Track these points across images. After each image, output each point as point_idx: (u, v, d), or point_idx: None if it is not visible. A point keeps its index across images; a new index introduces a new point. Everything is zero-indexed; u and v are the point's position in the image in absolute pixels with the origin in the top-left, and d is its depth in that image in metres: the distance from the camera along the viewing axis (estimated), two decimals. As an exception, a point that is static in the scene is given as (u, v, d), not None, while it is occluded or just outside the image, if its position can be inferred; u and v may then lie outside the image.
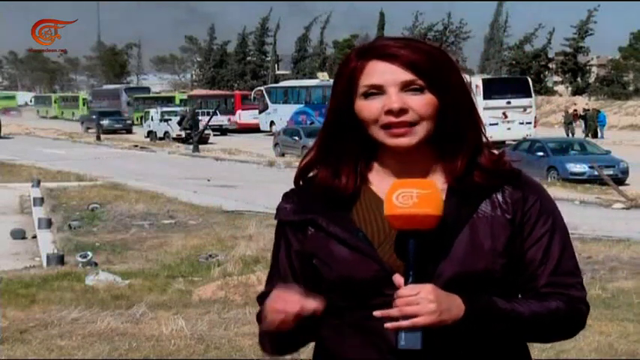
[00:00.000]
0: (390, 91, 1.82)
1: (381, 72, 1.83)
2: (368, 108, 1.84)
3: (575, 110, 47.89)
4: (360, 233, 1.86)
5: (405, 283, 1.76)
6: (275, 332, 1.86)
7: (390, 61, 1.83)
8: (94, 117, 55.01)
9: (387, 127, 1.83)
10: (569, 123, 42.83)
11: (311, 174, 1.96)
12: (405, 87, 1.83)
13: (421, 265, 1.79)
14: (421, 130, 1.83)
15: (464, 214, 1.84)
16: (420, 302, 1.72)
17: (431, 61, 1.84)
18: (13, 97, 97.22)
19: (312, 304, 1.80)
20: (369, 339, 1.84)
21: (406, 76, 1.82)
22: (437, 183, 1.86)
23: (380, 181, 1.90)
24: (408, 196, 1.77)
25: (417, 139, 1.83)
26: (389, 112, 1.82)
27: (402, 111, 1.81)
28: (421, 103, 1.82)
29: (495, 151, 1.94)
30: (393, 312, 1.73)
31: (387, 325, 1.74)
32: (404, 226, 1.78)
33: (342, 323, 1.88)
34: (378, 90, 1.84)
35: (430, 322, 1.72)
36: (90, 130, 53.33)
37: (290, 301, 1.80)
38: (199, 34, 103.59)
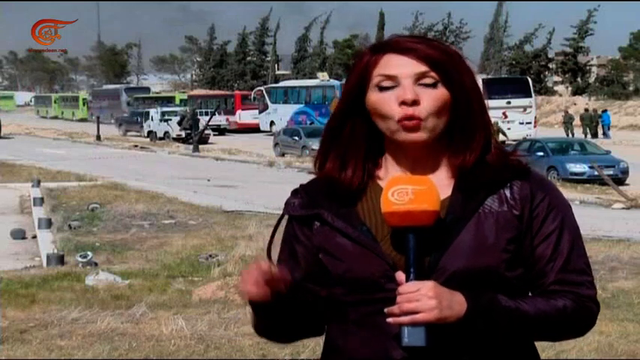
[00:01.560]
0: (404, 83, 1.83)
1: (396, 64, 1.85)
2: (382, 99, 1.85)
3: (587, 110, 47.72)
4: (363, 227, 1.87)
5: (407, 280, 1.76)
6: (257, 310, 1.91)
7: (405, 54, 1.85)
8: (136, 119, 50.67)
9: (400, 120, 1.83)
10: (568, 123, 42.78)
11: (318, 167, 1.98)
12: (419, 79, 1.84)
13: (424, 261, 1.80)
14: (431, 125, 1.84)
15: (469, 209, 1.84)
16: (420, 299, 1.72)
17: (445, 56, 1.86)
18: (11, 97, 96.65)
19: (274, 268, 1.83)
20: (373, 334, 1.84)
21: (420, 68, 1.83)
22: (442, 177, 1.87)
23: (388, 176, 1.90)
24: (404, 192, 1.78)
25: (427, 135, 1.84)
26: (402, 103, 1.82)
27: (415, 102, 1.82)
28: (434, 97, 1.83)
29: (505, 149, 1.94)
30: (393, 309, 1.74)
31: (389, 319, 1.75)
32: (401, 222, 1.78)
33: (347, 319, 1.89)
34: (392, 81, 1.84)
35: (431, 318, 1.73)
36: (129, 134, 48.34)
37: (253, 271, 1.85)
38: (191, 33, 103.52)
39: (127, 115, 54.78)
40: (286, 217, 1.99)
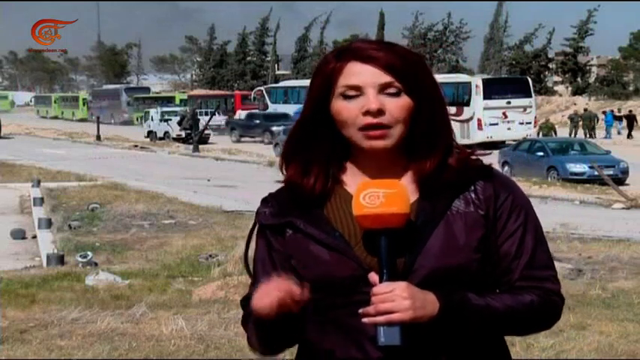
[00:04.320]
0: (368, 93, 1.86)
1: (360, 73, 1.87)
2: (347, 109, 1.87)
3: (612, 111, 47.67)
4: (336, 233, 1.90)
5: (380, 281, 1.80)
6: (262, 325, 1.89)
7: (369, 62, 1.87)
8: (256, 122, 42.86)
9: (364, 128, 1.86)
10: (576, 122, 42.74)
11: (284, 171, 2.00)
12: (383, 89, 1.87)
13: (397, 262, 1.83)
14: (396, 133, 1.88)
15: (438, 211, 1.88)
16: (394, 299, 1.76)
17: (408, 64, 1.89)
18: (5, 97, 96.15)
19: (297, 289, 1.82)
20: (350, 336, 1.87)
21: (384, 78, 1.87)
22: (406, 182, 1.90)
23: (354, 181, 1.93)
24: (375, 196, 1.81)
25: (392, 142, 1.88)
26: (367, 112, 1.85)
27: (380, 112, 1.85)
28: (398, 105, 1.87)
29: (466, 150, 1.97)
30: (369, 309, 1.77)
31: (364, 320, 1.78)
32: (372, 225, 1.82)
33: (324, 321, 1.91)
34: (356, 91, 1.87)
35: (405, 318, 1.76)
36: (244, 139, 40.43)
37: (276, 287, 1.82)
38: (182, 32, 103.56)
39: (242, 118, 46.18)
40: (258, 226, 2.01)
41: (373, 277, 1.81)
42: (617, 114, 46.33)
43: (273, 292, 1.82)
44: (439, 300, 1.80)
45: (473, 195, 1.91)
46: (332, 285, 1.88)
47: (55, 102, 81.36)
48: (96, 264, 11.15)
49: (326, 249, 1.89)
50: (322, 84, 1.91)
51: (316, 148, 1.94)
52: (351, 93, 1.87)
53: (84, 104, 75.13)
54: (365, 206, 1.81)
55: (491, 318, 1.86)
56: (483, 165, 1.96)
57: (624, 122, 44.55)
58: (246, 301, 2.04)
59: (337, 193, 1.95)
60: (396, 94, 1.87)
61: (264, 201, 2.01)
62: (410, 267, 1.84)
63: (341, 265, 1.87)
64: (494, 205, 1.91)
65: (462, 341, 1.87)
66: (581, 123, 42.71)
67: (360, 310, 1.79)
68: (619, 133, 44.33)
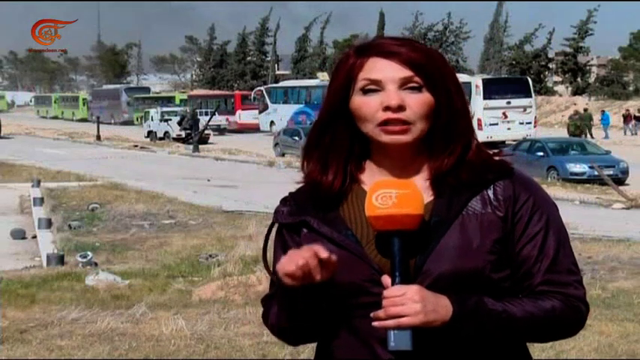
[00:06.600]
0: (388, 88, 1.84)
1: (381, 68, 1.85)
2: (367, 104, 1.85)
3: (628, 110, 47.59)
4: (348, 232, 1.87)
5: (392, 284, 1.77)
6: (288, 298, 1.83)
7: (390, 58, 1.85)
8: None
9: (383, 123, 1.84)
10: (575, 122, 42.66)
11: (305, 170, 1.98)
12: (404, 84, 1.84)
13: (410, 265, 1.79)
14: (416, 129, 1.84)
15: (453, 211, 1.84)
16: (405, 303, 1.73)
17: (429, 60, 1.86)
18: (2, 97, 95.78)
19: (323, 249, 1.77)
20: (361, 338, 1.85)
21: (405, 72, 1.84)
22: (424, 180, 1.87)
23: (372, 180, 1.90)
24: (388, 197, 1.77)
25: (412, 137, 1.84)
26: (387, 108, 1.83)
27: (400, 108, 1.83)
28: (419, 102, 1.84)
29: (488, 150, 1.93)
30: (379, 313, 1.74)
31: (375, 323, 1.75)
32: (385, 226, 1.78)
33: (335, 323, 1.89)
34: (376, 85, 1.85)
35: (416, 322, 1.73)
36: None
37: (302, 252, 1.78)
38: (183, 31, 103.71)
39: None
40: (276, 225, 1.99)
41: (386, 279, 1.77)
42: (637, 114, 46.23)
43: (298, 256, 1.76)
44: (453, 304, 1.76)
45: (492, 195, 1.86)
46: (341, 285, 1.84)
47: (55, 102, 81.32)
48: (96, 264, 11.15)
49: (337, 248, 1.85)
50: (342, 80, 1.89)
51: (335, 146, 1.91)
52: (372, 87, 1.85)
53: (84, 104, 75.09)
54: (377, 207, 1.77)
55: (508, 324, 1.81)
56: (504, 164, 1.90)
57: (633, 122, 44.52)
58: (266, 300, 2.00)
59: (355, 191, 1.92)
60: (417, 90, 1.84)
61: (284, 200, 1.99)
62: (419, 268, 1.81)
63: (351, 264, 1.84)
64: (514, 207, 1.86)
65: (476, 347, 1.82)
66: (632, 122, 42.73)
67: (372, 314, 1.75)
68: (625, 134, 44.27)
